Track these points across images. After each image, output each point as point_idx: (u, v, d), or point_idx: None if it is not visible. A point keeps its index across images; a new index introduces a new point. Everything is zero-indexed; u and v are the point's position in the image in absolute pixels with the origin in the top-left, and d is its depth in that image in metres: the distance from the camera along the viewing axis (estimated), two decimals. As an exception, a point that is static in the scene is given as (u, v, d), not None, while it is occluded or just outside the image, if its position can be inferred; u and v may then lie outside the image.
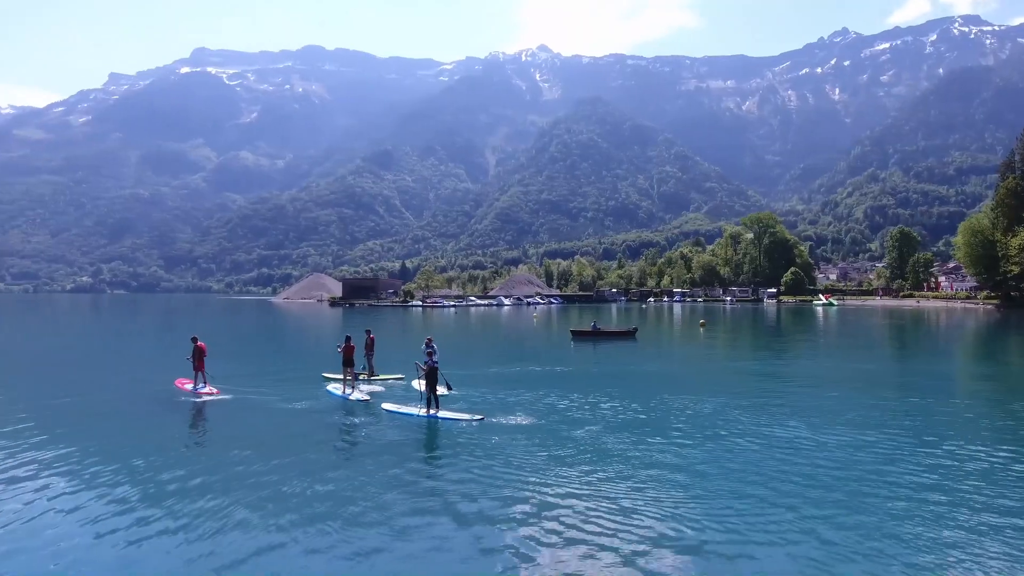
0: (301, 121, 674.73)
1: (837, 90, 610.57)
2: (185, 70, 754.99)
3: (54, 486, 10.92)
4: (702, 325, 55.59)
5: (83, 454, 13.01)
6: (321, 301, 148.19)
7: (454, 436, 14.32)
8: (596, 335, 41.48)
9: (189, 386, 19.69)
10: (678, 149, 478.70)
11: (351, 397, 18.53)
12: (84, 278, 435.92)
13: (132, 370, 26.94)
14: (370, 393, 19.17)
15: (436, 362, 18.50)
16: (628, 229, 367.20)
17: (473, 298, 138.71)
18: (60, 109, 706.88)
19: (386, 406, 17.24)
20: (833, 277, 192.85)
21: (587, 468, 11.56)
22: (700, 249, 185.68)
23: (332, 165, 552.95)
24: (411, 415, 16.20)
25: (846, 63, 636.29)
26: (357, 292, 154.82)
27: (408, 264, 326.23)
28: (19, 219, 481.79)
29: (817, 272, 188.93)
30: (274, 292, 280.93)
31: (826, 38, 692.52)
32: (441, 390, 18.89)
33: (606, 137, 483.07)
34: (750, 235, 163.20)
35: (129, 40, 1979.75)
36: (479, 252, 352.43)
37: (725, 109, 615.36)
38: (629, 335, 42.63)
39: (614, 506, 9.60)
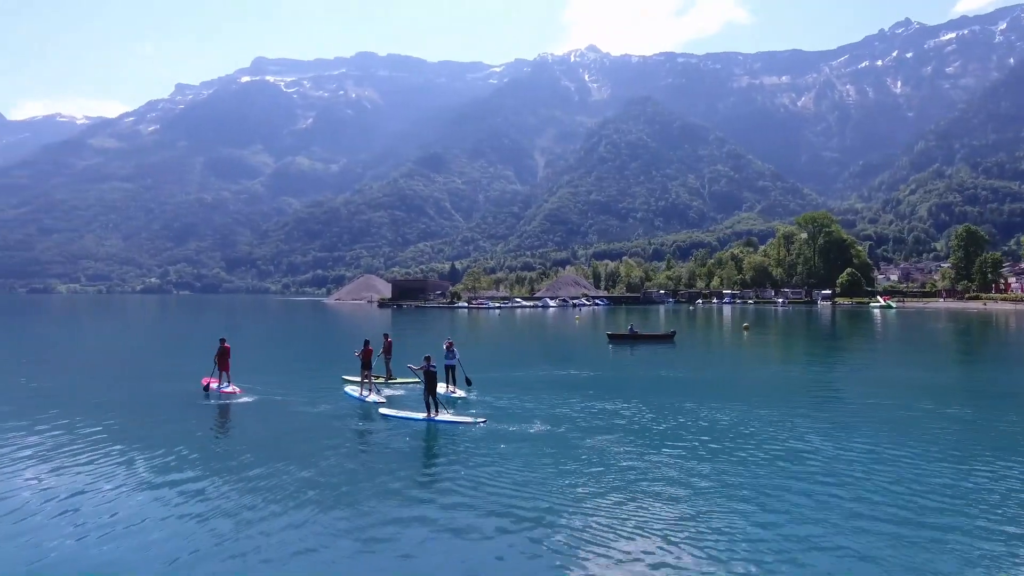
0: (354, 126, 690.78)
1: (899, 83, 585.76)
2: (245, 79, 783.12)
3: (58, 476, 11.83)
4: (745, 328, 54.45)
5: (94, 447, 13.96)
6: (371, 302, 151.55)
7: (456, 442, 14.38)
8: (633, 339, 41.33)
9: (215, 385, 20.68)
10: (730, 147, 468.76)
11: (368, 399, 19.01)
12: (152, 279, 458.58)
13: (173, 367, 28.23)
14: (388, 397, 19.60)
15: (447, 364, 19.52)
16: (678, 230, 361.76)
17: (519, 299, 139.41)
18: (131, 119, 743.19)
19: (384, 411, 17.45)
20: (894, 278, 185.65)
21: (589, 481, 11.43)
22: (751, 250, 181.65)
23: (384, 168, 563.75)
24: (411, 419, 16.33)
25: (909, 55, 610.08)
26: (406, 293, 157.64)
27: (458, 265, 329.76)
28: (93, 224, 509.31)
29: (877, 273, 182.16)
30: (328, 293, 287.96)
31: (887, 29, 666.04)
32: (460, 392, 19.61)
33: (656, 136, 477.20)
34: (804, 235, 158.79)
35: (194, 51, 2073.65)
36: (528, 253, 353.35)
37: (779, 105, 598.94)
38: (667, 339, 42.30)
39: (610, 521, 9.57)
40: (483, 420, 15.71)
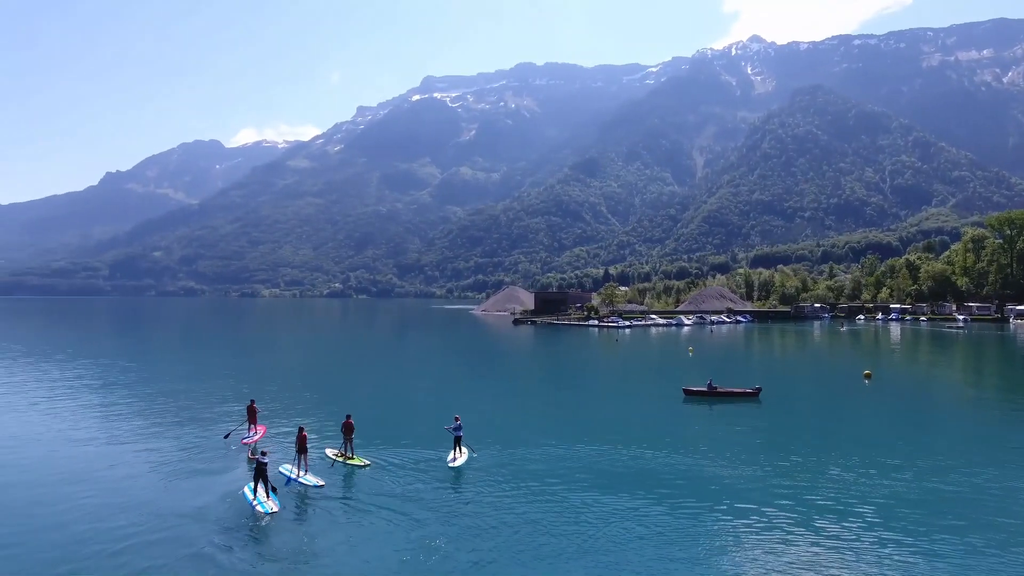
0: (514, 135, 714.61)
1: None
2: (416, 97, 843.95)
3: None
4: (867, 377, 46.17)
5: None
6: (513, 314, 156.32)
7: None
8: (712, 395, 38.28)
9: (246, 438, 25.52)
10: (917, 135, 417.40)
11: (298, 479, 20.19)
12: (336, 285, 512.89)
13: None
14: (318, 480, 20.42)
15: (456, 436, 22.69)
16: (853, 229, 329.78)
17: (654, 316, 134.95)
18: (320, 141, 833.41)
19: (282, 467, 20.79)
20: None
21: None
22: (931, 256, 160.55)
23: (542, 175, 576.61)
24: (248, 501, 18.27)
25: None
26: (548, 305, 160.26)
27: (612, 271, 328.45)
28: (290, 236, 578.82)
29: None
30: (487, 298, 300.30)
31: None
32: (460, 461, 22.31)
33: (827, 128, 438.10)
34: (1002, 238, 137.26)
35: (373, 76, 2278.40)
36: (684, 257, 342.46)
37: (980, 83, 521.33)
38: (752, 396, 38.94)
39: None
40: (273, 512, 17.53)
